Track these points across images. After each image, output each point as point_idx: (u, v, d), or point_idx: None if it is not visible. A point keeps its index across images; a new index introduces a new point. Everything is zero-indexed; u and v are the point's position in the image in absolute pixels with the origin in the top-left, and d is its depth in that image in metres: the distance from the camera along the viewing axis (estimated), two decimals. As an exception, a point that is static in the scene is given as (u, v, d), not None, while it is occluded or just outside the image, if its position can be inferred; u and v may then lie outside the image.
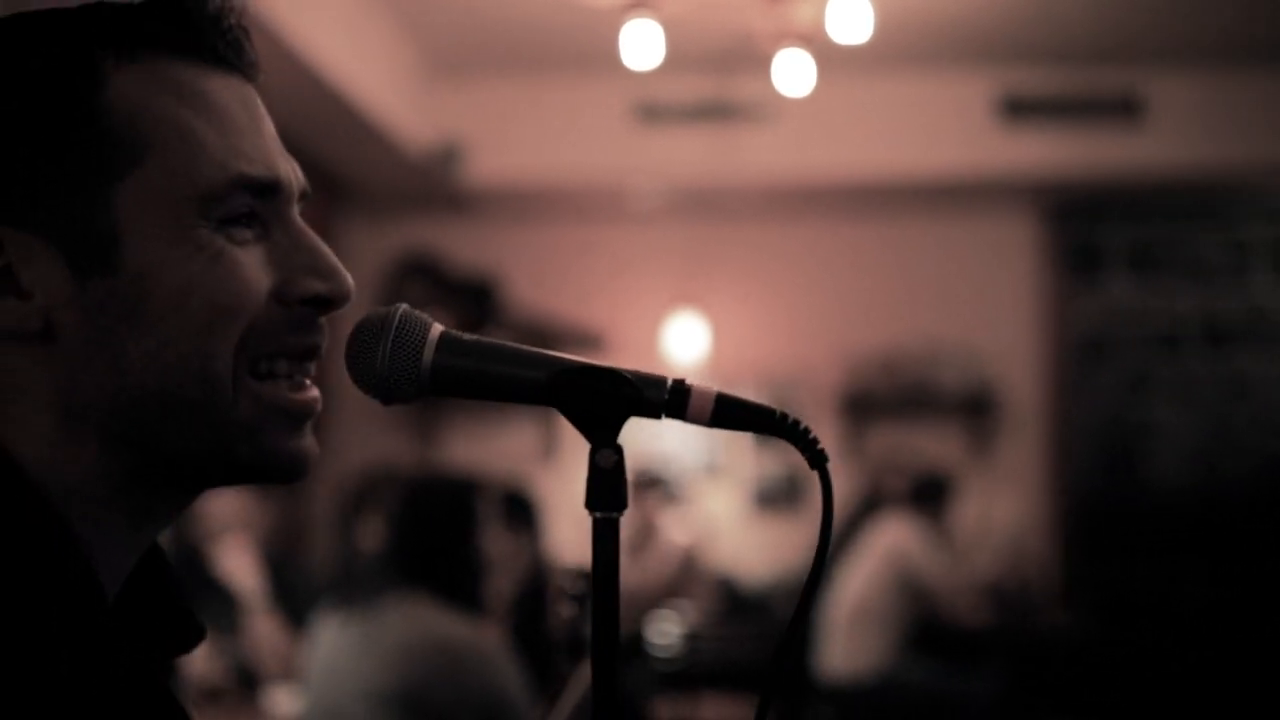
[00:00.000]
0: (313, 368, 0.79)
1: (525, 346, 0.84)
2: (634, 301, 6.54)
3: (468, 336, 0.83)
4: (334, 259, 0.78)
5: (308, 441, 0.78)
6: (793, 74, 4.46)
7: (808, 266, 6.63)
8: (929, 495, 5.20)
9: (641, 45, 4.20)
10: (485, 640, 2.53)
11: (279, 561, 4.61)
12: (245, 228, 0.74)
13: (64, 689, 0.64)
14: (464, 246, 6.61)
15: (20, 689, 0.62)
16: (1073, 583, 6.33)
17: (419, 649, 2.46)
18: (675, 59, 5.10)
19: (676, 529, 5.66)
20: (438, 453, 6.42)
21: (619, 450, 0.83)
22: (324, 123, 5.30)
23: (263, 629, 4.01)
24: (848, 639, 4.99)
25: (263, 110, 0.78)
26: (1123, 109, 5.82)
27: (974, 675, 5.04)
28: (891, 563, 4.99)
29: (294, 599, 4.16)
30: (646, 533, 5.66)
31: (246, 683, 3.77)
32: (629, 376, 0.82)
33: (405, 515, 2.68)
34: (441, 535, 2.65)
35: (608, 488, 0.82)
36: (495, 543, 2.90)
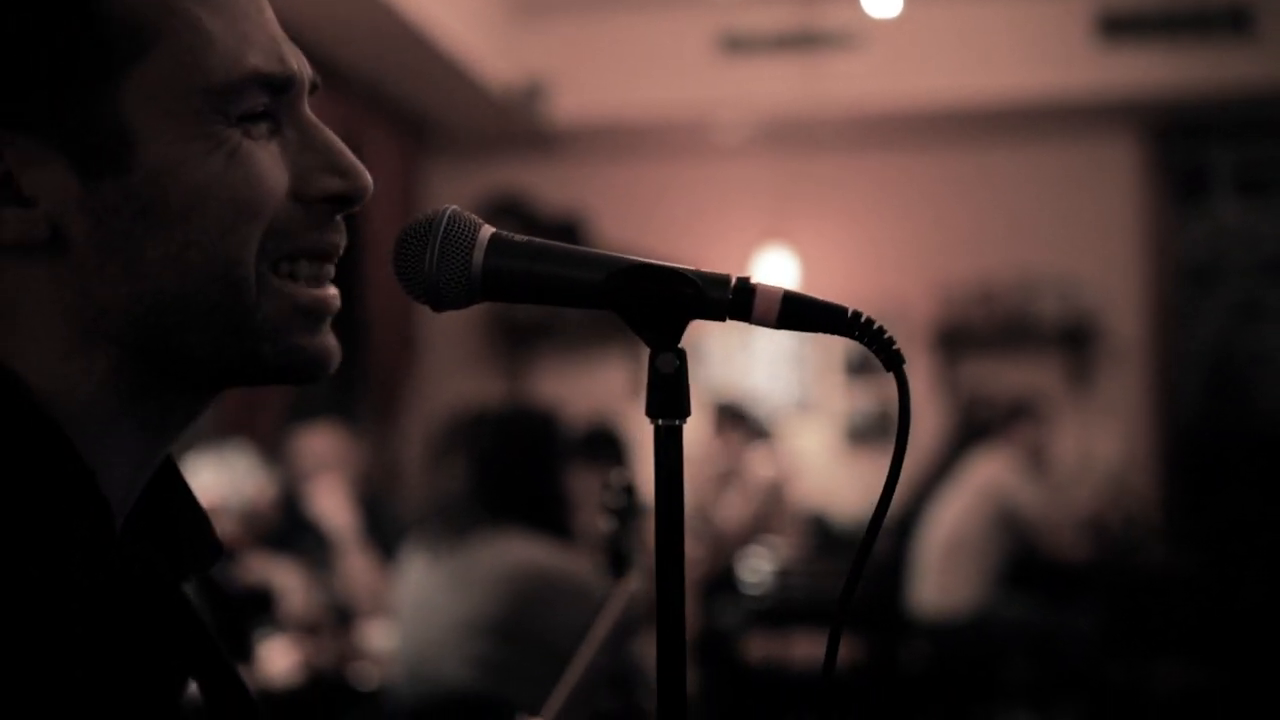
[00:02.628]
0: (333, 268, 0.76)
1: (581, 247, 0.79)
2: (722, 237, 6.45)
3: (519, 237, 0.78)
4: (350, 155, 0.74)
5: (330, 340, 0.75)
6: (880, -5, 4.34)
7: (900, 197, 6.48)
8: (1017, 421, 5.07)
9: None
10: (578, 567, 2.52)
11: (372, 500, 4.67)
12: (261, 122, 0.71)
13: (68, 610, 0.61)
14: (550, 185, 6.58)
15: (22, 613, 0.60)
16: (1175, 518, 6.16)
17: (512, 577, 2.46)
18: (759, -15, 4.99)
19: (762, 463, 5.62)
20: (528, 392, 6.45)
21: (681, 354, 0.78)
22: (408, 64, 5.30)
23: (356, 566, 4.07)
24: (942, 574, 4.92)
25: None
26: (1230, 21, 5.55)
27: (1071, 611, 4.94)
28: (988, 497, 4.90)
29: (387, 537, 4.21)
30: (731, 468, 5.63)
31: (341, 619, 3.84)
32: (691, 275, 0.78)
33: (486, 449, 2.67)
34: (523, 467, 2.64)
35: (670, 394, 0.78)
36: (579, 476, 2.88)
